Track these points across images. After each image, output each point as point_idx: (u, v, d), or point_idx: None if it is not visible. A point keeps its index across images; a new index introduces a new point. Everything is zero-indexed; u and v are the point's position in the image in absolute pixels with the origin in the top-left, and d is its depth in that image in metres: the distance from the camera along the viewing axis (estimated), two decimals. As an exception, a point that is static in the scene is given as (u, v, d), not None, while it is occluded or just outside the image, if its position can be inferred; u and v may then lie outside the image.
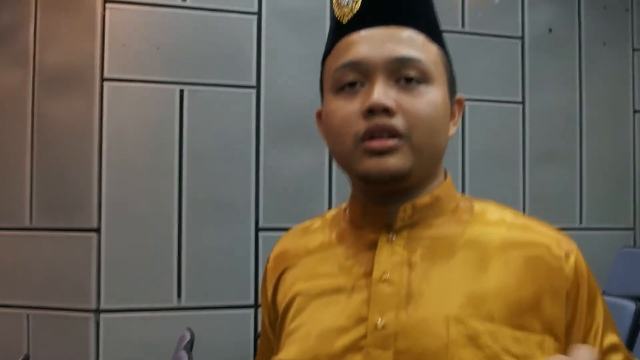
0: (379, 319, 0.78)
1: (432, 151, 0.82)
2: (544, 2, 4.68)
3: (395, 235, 0.83)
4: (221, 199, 3.86)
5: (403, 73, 0.79)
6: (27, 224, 3.70)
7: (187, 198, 3.82)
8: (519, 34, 4.61)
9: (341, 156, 0.83)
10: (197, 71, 3.88)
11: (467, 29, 4.46)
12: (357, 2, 0.82)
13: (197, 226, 3.81)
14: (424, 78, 0.80)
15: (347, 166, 0.84)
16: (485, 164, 4.41)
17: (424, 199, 0.84)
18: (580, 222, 4.66)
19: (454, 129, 0.88)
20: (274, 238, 3.84)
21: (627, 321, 2.50)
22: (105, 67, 3.74)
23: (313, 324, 0.83)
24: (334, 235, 0.91)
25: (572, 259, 0.81)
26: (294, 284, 0.90)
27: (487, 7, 4.53)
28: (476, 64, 4.44)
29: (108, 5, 3.76)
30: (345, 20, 0.83)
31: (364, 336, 0.79)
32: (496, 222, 0.85)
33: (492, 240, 0.82)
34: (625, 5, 4.91)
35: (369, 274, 0.82)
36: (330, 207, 4.02)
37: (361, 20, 0.82)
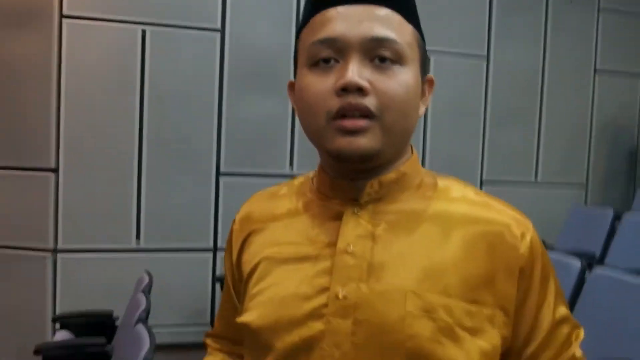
0: (340, 290, 0.81)
1: (402, 131, 0.83)
2: (514, -43, 4.66)
3: (360, 209, 0.85)
4: (182, 143, 3.84)
5: (378, 52, 0.80)
6: (-17, 161, 3.64)
7: (148, 140, 3.78)
8: (488, -13, 4.60)
9: (313, 132, 0.84)
10: (161, 11, 3.79)
11: (436, -20, 4.42)
12: None
13: (157, 169, 3.79)
14: (398, 59, 0.80)
15: (318, 142, 0.84)
16: (447, 118, 4.45)
17: (390, 175, 0.86)
18: (536, 177, 4.78)
19: (423, 109, 0.89)
20: (234, 183, 3.88)
21: (573, 278, 2.60)
22: (64, 4, 3.63)
23: (276, 289, 0.85)
24: (300, 203, 0.92)
25: (527, 238, 0.84)
26: (259, 248, 0.91)
27: (458, -42, 4.49)
28: (443, 16, 4.42)
29: (68, -63, 3.62)
30: None
31: (325, 305, 0.81)
32: (458, 198, 0.88)
33: (454, 216, 0.85)
34: (593, -36, 4.92)
35: (333, 244, 0.84)
36: (292, 155, 4.02)
37: None
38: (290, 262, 0.87)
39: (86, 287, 3.64)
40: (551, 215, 4.56)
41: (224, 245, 3.45)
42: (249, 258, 0.92)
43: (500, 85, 4.62)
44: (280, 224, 0.92)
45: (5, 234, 3.63)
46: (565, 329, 0.87)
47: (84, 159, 3.66)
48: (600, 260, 3.60)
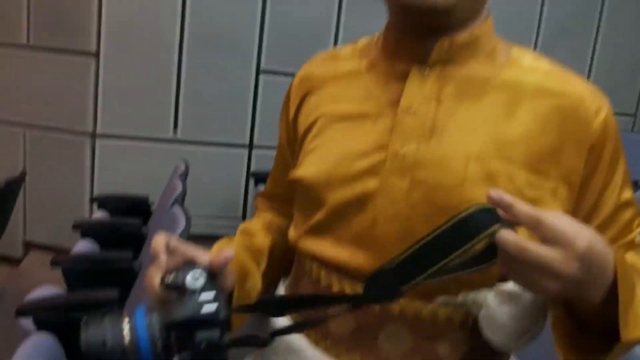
0: (400, 148, 0.79)
1: None
2: None
3: (428, 70, 0.81)
4: (224, 36, 3.75)
5: None
6: (24, 41, 3.61)
7: (189, 31, 3.70)
8: None
9: None
10: None
11: None
12: None
13: (198, 60, 3.73)
14: None
15: None
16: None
17: (462, 35, 0.81)
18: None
19: None
20: (274, 81, 3.80)
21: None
22: None
23: (333, 145, 0.84)
24: (364, 63, 0.89)
25: (602, 115, 0.80)
26: (318, 105, 0.89)
27: None
28: None
29: None
30: None
31: (383, 162, 0.79)
32: (532, 68, 0.83)
33: (525, 85, 0.81)
34: None
35: (395, 103, 0.81)
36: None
37: None
38: (349, 119, 0.84)
39: (123, 172, 3.68)
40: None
41: (260, 142, 3.43)
42: (306, 115, 0.90)
43: (557, 6, 4.38)
44: (341, 82, 0.89)
45: (46, 115, 3.65)
46: (628, 214, 0.84)
47: (125, 45, 3.61)
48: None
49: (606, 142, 0.80)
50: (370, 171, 0.80)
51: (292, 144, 0.94)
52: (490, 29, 0.85)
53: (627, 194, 0.84)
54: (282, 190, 1.00)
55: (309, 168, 0.85)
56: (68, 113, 3.65)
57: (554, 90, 0.80)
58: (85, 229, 2.39)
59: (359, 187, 0.80)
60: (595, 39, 4.55)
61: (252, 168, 3.89)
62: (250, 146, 3.89)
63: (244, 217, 3.95)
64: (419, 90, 0.80)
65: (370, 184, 0.80)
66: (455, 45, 0.81)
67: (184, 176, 2.70)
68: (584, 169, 0.79)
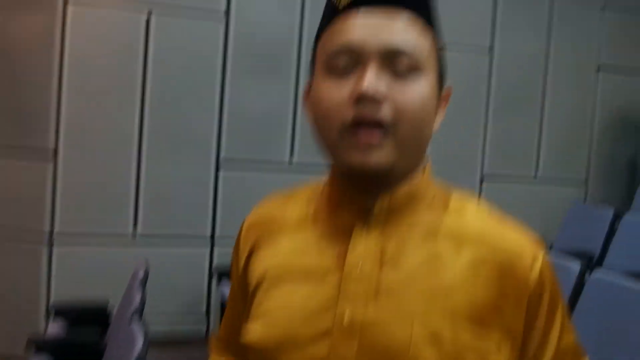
0: (347, 310, 0.80)
1: (416, 145, 0.82)
2: (521, -50, 4.60)
3: (371, 224, 0.83)
4: (183, 130, 3.80)
5: (395, 62, 0.78)
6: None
7: (149, 126, 3.74)
8: (494, -20, 4.55)
9: (326, 143, 0.83)
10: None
11: (442, -30, 4.36)
12: None
13: (157, 157, 3.76)
14: (415, 69, 0.79)
15: (331, 154, 0.83)
16: (449, 111, 4.37)
17: (403, 188, 0.84)
18: (536, 173, 4.75)
19: (439, 122, 0.88)
20: (234, 173, 3.83)
21: (572, 280, 2.58)
22: (68, -15, 3.57)
23: (282, 307, 0.85)
24: (311, 212, 0.91)
25: (537, 266, 0.82)
26: (267, 260, 0.90)
27: (464, -50, 4.44)
28: (447, 7, 4.36)
29: None
30: (340, 5, 0.81)
31: (331, 326, 0.80)
32: (471, 216, 0.86)
33: (466, 234, 0.83)
34: (600, -40, 4.86)
35: (341, 260, 0.82)
36: (292, 144, 3.98)
37: (358, 2, 0.80)
38: (296, 276, 0.85)
39: (82, 272, 3.61)
40: (551, 211, 4.55)
41: (222, 234, 3.41)
42: (256, 269, 0.91)
43: (504, 78, 4.58)
44: (288, 234, 0.90)
45: (1, 215, 3.59)
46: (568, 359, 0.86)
47: (83, 142, 3.63)
48: (600, 260, 3.59)
49: (543, 292, 0.82)
50: (320, 336, 0.80)
51: (244, 295, 0.94)
52: (429, 178, 0.89)
53: (568, 339, 0.86)
54: (236, 338, 0.98)
55: (258, 332, 0.85)
56: (24, 214, 3.60)
57: (493, 240, 0.83)
58: (40, 345, 2.32)
59: (309, 353, 0.80)
60: (542, 109, 4.73)
61: (215, 263, 3.86)
62: (212, 238, 3.87)
63: (207, 313, 3.89)
64: (363, 246, 0.82)
65: (320, 349, 0.80)
66: (395, 199, 0.83)
67: (144, 281, 2.65)
68: (524, 320, 0.81)
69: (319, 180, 0.95)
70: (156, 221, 3.79)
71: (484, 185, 4.59)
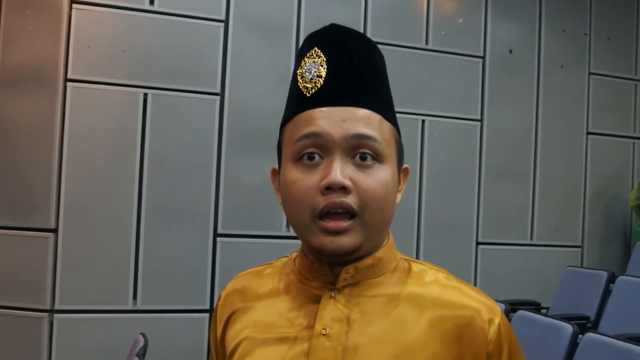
0: None
1: (380, 225, 0.90)
2: (506, 24, 4.82)
3: (337, 293, 0.91)
4: (181, 205, 3.90)
5: (359, 151, 0.86)
6: (-17, 221, 3.69)
7: (147, 202, 3.84)
8: (481, 53, 4.74)
9: (297, 226, 0.90)
10: (162, 76, 3.90)
11: (430, 46, 4.57)
12: (320, 79, 0.89)
13: (156, 230, 3.84)
14: (378, 157, 0.87)
15: (302, 236, 0.91)
16: (442, 179, 4.53)
17: (366, 261, 0.91)
18: (531, 238, 4.81)
19: (399, 197, 0.96)
20: (231, 244, 3.90)
21: (565, 342, 2.61)
22: (69, 68, 3.74)
23: None
24: (282, 284, 0.98)
25: (495, 323, 0.88)
26: (242, 327, 0.96)
27: (451, 26, 4.65)
28: (438, 81, 4.56)
29: (74, 5, 3.76)
30: (308, 94, 0.89)
31: None
32: (431, 282, 0.93)
33: (426, 300, 0.90)
34: (584, 29, 5.08)
35: (311, 327, 0.89)
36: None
37: (323, 97, 0.88)
38: (269, 343, 0.91)
39: (83, 348, 3.64)
40: (547, 276, 4.59)
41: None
42: (232, 336, 0.97)
43: (494, 148, 4.71)
44: (262, 303, 0.97)
45: (2, 294, 3.64)
46: None
47: (83, 220, 3.71)
48: (595, 324, 3.61)
49: (502, 348, 0.88)
50: None
51: (221, 358, 1.01)
52: (392, 249, 0.96)
53: None
54: None
55: None
56: (26, 290, 3.65)
57: (451, 303, 0.90)
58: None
59: None
60: (534, 176, 4.83)
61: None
62: (211, 310, 3.91)
63: (206, 386, 3.89)
64: (330, 313, 0.89)
65: None
66: (359, 269, 0.91)
67: (143, 351, 2.68)
68: None
69: (290, 255, 1.03)
70: (155, 295, 3.83)
71: (480, 250, 4.65)
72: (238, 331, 0.96)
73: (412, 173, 4.40)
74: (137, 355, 2.60)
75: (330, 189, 0.84)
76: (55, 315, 3.65)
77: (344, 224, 0.85)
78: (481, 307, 0.90)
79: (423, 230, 4.47)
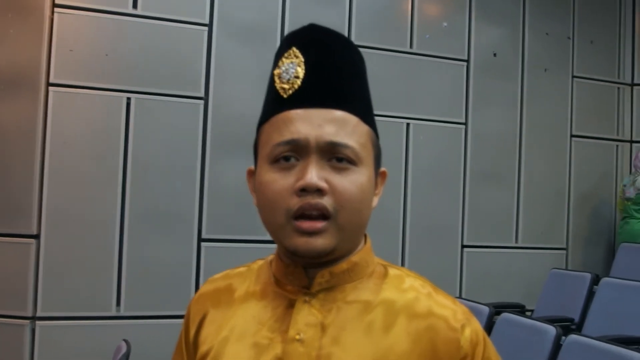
0: None
1: (355, 228, 0.88)
2: (490, 27, 4.84)
3: (311, 298, 0.89)
4: (164, 209, 3.87)
5: (335, 154, 0.85)
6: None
7: (130, 207, 3.81)
8: (465, 56, 4.76)
9: (272, 228, 0.89)
10: (145, 80, 3.88)
11: (415, 49, 4.58)
12: (298, 79, 0.87)
13: (139, 235, 3.81)
14: (353, 160, 0.86)
15: (276, 238, 0.89)
16: (427, 182, 4.53)
17: (341, 265, 0.90)
18: (517, 241, 4.83)
19: (376, 200, 0.94)
20: (216, 249, 3.87)
21: (548, 345, 2.61)
22: (51, 72, 3.71)
23: None
24: (257, 287, 0.96)
25: (468, 330, 0.88)
26: (215, 331, 0.94)
27: (436, 29, 4.67)
28: (422, 84, 4.57)
29: (57, 9, 3.74)
30: (285, 95, 0.88)
31: None
32: (406, 289, 0.92)
33: (401, 306, 0.89)
34: (567, 33, 5.12)
35: (285, 331, 0.88)
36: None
37: (300, 99, 0.87)
38: (242, 347, 0.90)
39: (65, 355, 3.60)
40: (533, 279, 4.61)
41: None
42: (204, 339, 0.95)
43: (479, 151, 4.73)
44: (236, 307, 0.96)
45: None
46: None
47: (65, 225, 3.68)
48: (579, 325, 3.62)
49: (475, 353, 0.88)
50: None
51: (192, 357, 0.99)
52: (368, 254, 0.95)
53: None
54: None
55: None
56: (7, 297, 3.61)
57: (425, 309, 0.89)
58: None
59: None
60: (518, 179, 4.85)
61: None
62: (195, 316, 3.88)
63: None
64: (304, 318, 0.88)
65: None
66: (334, 274, 0.90)
67: (125, 357, 2.65)
68: None
69: (266, 258, 1.02)
70: (139, 301, 3.80)
71: (465, 253, 4.66)
72: (211, 334, 0.95)
73: (397, 177, 4.40)
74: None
75: (305, 191, 0.84)
76: (37, 322, 3.61)
77: (319, 224, 0.84)
78: (454, 314, 0.89)
79: (408, 234, 4.48)
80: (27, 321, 3.59)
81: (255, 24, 4.13)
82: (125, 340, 2.89)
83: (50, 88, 3.71)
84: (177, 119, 3.93)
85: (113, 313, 3.75)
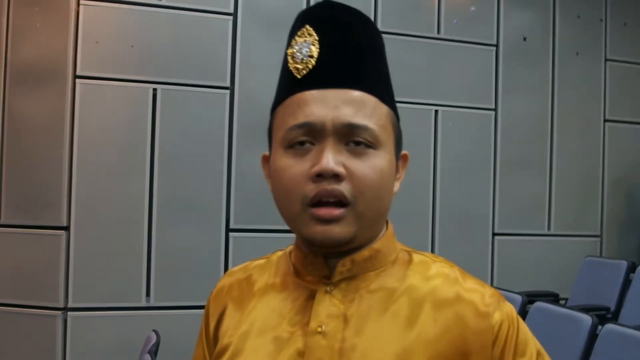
0: None
1: (375, 214, 0.84)
2: (519, 11, 4.73)
3: (333, 288, 0.85)
4: (192, 199, 3.87)
5: (352, 137, 0.81)
6: (-3, 220, 3.69)
7: (158, 198, 3.82)
8: (494, 41, 4.66)
9: (288, 216, 0.85)
10: (171, 71, 3.87)
11: (442, 35, 4.50)
12: (312, 59, 0.83)
13: (168, 226, 3.82)
14: (372, 143, 0.81)
15: (293, 226, 0.85)
16: (457, 170, 4.46)
17: (363, 253, 0.86)
18: (549, 228, 4.74)
19: (397, 185, 0.89)
20: (244, 239, 3.86)
21: (584, 334, 2.55)
22: (78, 65, 3.72)
23: None
24: (277, 279, 0.93)
25: (497, 314, 0.83)
26: (235, 325, 0.91)
27: (463, 14, 4.58)
28: (451, 71, 4.49)
29: (82, 2, 3.74)
30: (299, 75, 0.84)
31: None
32: (432, 275, 0.87)
33: (427, 293, 0.85)
34: (599, 15, 4.98)
35: (306, 324, 0.84)
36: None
37: (315, 79, 0.83)
38: (263, 341, 0.87)
39: (96, 346, 3.63)
40: (566, 267, 4.52)
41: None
42: (224, 333, 0.92)
43: (509, 137, 4.64)
44: (256, 300, 0.92)
45: (16, 293, 3.64)
46: None
47: (94, 217, 3.70)
48: (615, 314, 3.54)
49: (507, 340, 0.83)
50: None
51: (211, 349, 0.96)
52: (390, 240, 0.90)
53: None
54: None
55: None
56: (39, 288, 3.64)
57: (452, 296, 0.84)
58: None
59: None
60: (550, 165, 4.75)
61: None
62: (224, 306, 3.88)
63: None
64: (326, 309, 0.84)
65: None
66: (356, 262, 0.85)
67: (155, 348, 2.66)
68: None
69: (285, 249, 0.98)
70: (168, 292, 3.81)
71: (496, 241, 4.58)
72: (231, 328, 0.92)
73: (426, 164, 4.34)
74: (149, 352, 2.58)
75: (321, 176, 0.79)
76: (68, 313, 3.64)
77: (336, 211, 0.80)
78: (482, 298, 0.85)
79: (438, 222, 4.42)
80: (59, 312, 3.62)
81: (280, 12, 4.08)
82: (154, 331, 2.90)
83: (77, 80, 3.71)
84: (204, 109, 3.92)
85: (143, 304, 3.77)
